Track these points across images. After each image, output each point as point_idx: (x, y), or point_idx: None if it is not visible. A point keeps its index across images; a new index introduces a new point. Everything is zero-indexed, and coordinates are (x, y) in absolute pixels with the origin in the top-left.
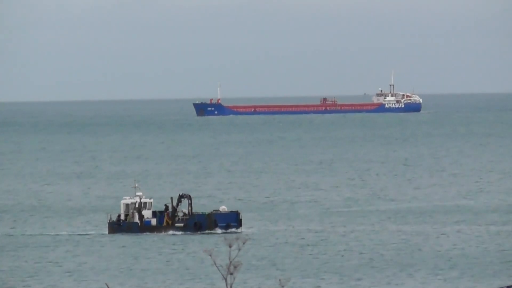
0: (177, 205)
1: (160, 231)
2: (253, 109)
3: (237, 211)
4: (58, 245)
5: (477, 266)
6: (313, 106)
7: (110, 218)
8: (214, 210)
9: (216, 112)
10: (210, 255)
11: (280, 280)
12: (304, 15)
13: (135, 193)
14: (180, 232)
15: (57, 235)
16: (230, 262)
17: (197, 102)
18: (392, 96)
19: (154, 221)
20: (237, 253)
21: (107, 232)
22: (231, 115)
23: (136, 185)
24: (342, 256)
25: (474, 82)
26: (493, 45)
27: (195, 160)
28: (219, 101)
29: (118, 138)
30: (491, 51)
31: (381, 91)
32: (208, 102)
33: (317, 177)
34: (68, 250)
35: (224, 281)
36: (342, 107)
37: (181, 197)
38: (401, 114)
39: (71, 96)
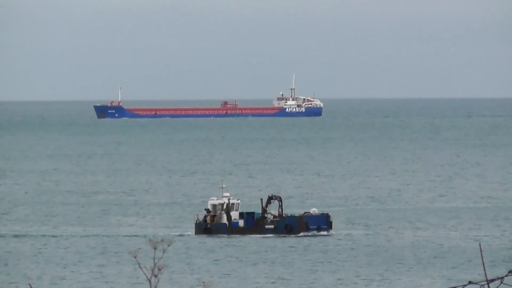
0: (267, 206)
1: (250, 233)
2: (154, 112)
3: (327, 213)
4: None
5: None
6: (214, 109)
7: (197, 219)
8: (305, 212)
9: (117, 115)
10: (135, 257)
11: (203, 282)
12: (206, 17)
13: (223, 194)
14: (271, 235)
15: (135, 235)
16: (155, 264)
17: (97, 104)
18: (293, 100)
19: (241, 223)
20: (162, 255)
21: (193, 233)
22: (132, 118)
23: (224, 185)
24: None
25: (374, 88)
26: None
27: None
28: (120, 104)
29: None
30: (394, 56)
31: (282, 95)
32: (109, 104)
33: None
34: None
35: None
36: (243, 111)
37: (270, 198)
38: (302, 118)
39: None
